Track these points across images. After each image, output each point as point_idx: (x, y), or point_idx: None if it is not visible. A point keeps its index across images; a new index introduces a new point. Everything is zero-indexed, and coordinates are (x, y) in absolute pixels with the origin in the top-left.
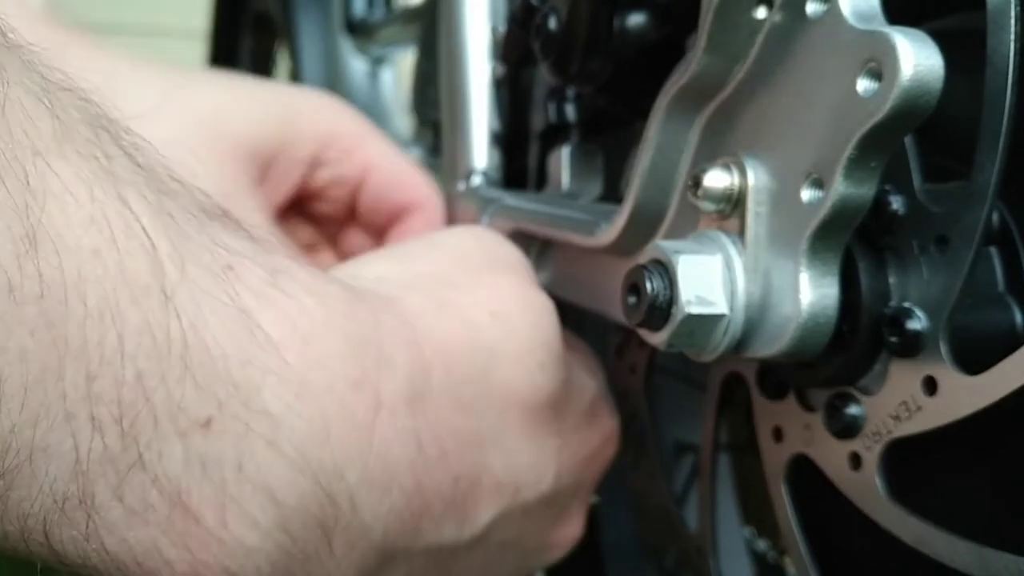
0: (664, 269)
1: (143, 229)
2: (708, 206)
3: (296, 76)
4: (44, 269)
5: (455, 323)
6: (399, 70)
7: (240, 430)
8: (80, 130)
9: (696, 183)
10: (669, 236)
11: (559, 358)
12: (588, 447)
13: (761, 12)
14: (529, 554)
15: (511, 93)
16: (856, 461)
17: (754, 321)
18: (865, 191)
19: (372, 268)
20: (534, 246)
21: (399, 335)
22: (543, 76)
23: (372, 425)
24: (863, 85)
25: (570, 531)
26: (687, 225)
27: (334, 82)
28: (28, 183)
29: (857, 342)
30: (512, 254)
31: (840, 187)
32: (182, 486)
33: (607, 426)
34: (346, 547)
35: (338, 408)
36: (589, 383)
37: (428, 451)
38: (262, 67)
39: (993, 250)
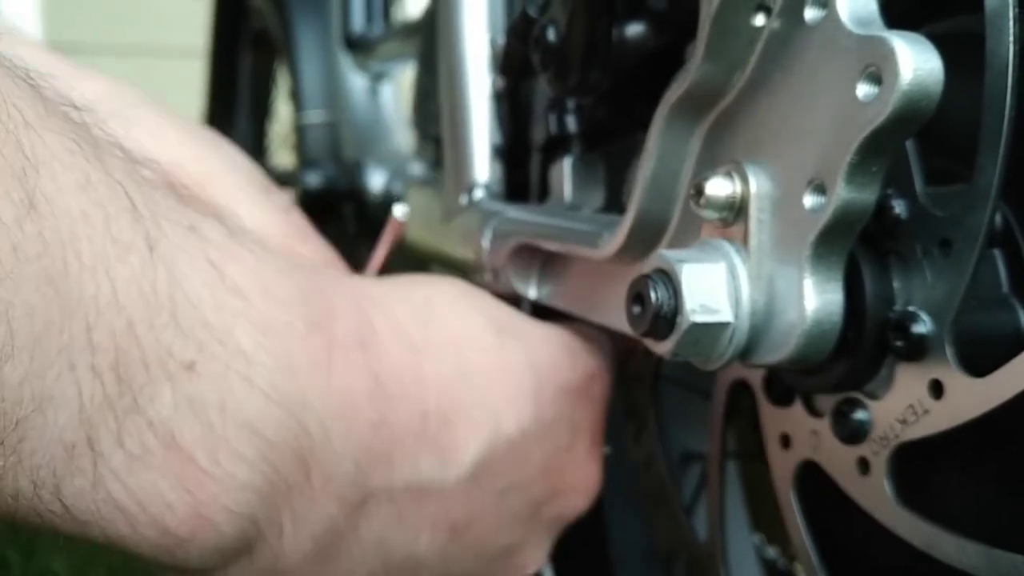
0: (668, 278)
1: (125, 192)
2: (711, 214)
3: (296, 94)
4: (43, 229)
5: (387, 286)
6: (399, 85)
7: (220, 370)
8: (62, 107)
9: (698, 191)
10: (672, 245)
11: (492, 301)
12: (568, 382)
13: (760, 19)
14: (541, 503)
15: (511, 106)
16: (864, 466)
17: (759, 328)
18: (867, 196)
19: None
20: (538, 259)
21: (338, 288)
22: (543, 88)
23: (328, 361)
24: (863, 90)
25: (583, 475)
26: (690, 234)
27: (334, 99)
28: (23, 152)
29: (862, 347)
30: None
31: (842, 192)
32: (174, 428)
33: (588, 364)
34: (323, 479)
35: (298, 345)
36: (555, 327)
37: (388, 387)
38: (262, 85)
39: (996, 252)
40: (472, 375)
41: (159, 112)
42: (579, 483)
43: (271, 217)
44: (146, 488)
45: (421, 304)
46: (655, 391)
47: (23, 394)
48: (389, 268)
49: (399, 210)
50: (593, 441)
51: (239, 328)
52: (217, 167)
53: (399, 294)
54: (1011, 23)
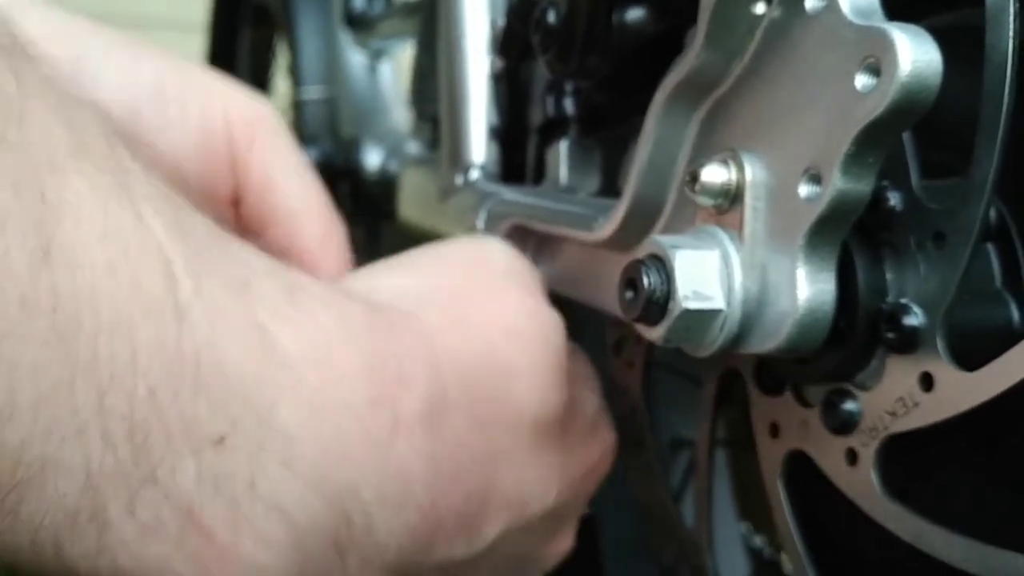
0: (661, 264)
1: (158, 244)
2: (706, 201)
3: (295, 69)
4: (58, 282)
5: (471, 340)
6: (398, 64)
7: (253, 448)
8: (97, 144)
9: (694, 178)
10: (667, 231)
11: (566, 375)
12: (589, 461)
13: (760, 7)
14: (525, 565)
15: (510, 87)
16: (853, 457)
17: (751, 316)
18: (863, 187)
19: (386, 281)
20: (532, 241)
21: (417, 352)
22: (542, 70)
23: (389, 443)
24: (861, 81)
25: (563, 543)
26: (685, 220)
27: (333, 75)
28: (44, 196)
29: (854, 338)
30: (523, 267)
31: (838, 183)
32: (195, 503)
33: (606, 440)
34: (360, 564)
35: (355, 426)
36: (591, 398)
37: (443, 469)
38: (261, 60)
39: (990, 246)
40: (518, 454)
41: (206, 69)
42: (559, 552)
43: (311, 189)
44: (156, 559)
45: (501, 373)
46: (647, 377)
47: (22, 457)
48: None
49: None
50: (582, 511)
51: (283, 405)
52: (266, 126)
53: (484, 352)
54: (1011, 18)
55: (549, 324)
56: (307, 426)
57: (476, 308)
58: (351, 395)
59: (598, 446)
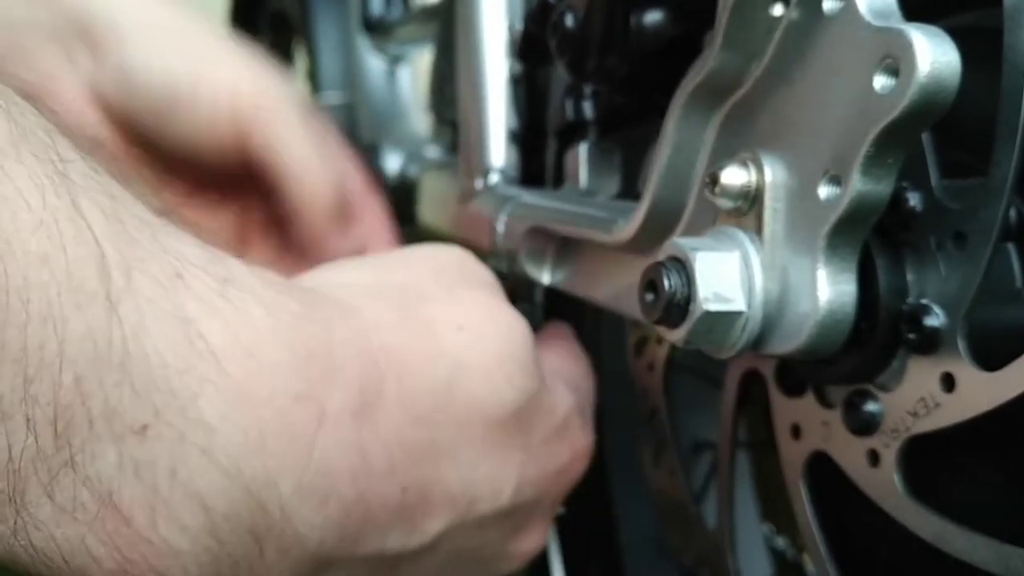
0: (682, 266)
1: (94, 236)
2: (725, 203)
3: (313, 75)
4: None
5: (416, 335)
6: (417, 68)
7: (175, 438)
8: (37, 133)
9: (713, 180)
10: (686, 233)
11: (529, 372)
12: (556, 462)
13: (778, 9)
14: (486, 563)
15: (528, 91)
16: (874, 458)
17: (772, 318)
18: (883, 188)
19: (341, 275)
20: (552, 244)
21: (352, 346)
22: (560, 74)
23: (313, 437)
24: (880, 82)
25: (530, 542)
26: (704, 222)
27: (351, 81)
28: None
29: (875, 339)
30: (486, 273)
31: (857, 184)
32: (113, 487)
33: (579, 442)
34: (278, 553)
35: (277, 419)
36: (565, 397)
37: (374, 463)
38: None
39: (1011, 246)
40: (466, 450)
41: (216, 34)
42: (526, 550)
43: (314, 159)
44: (72, 540)
45: (448, 367)
46: (667, 379)
47: None
48: None
49: None
50: (553, 511)
51: (204, 397)
52: (271, 94)
53: (429, 346)
54: None
55: (505, 321)
56: (228, 418)
57: (427, 304)
58: (274, 388)
59: (567, 447)
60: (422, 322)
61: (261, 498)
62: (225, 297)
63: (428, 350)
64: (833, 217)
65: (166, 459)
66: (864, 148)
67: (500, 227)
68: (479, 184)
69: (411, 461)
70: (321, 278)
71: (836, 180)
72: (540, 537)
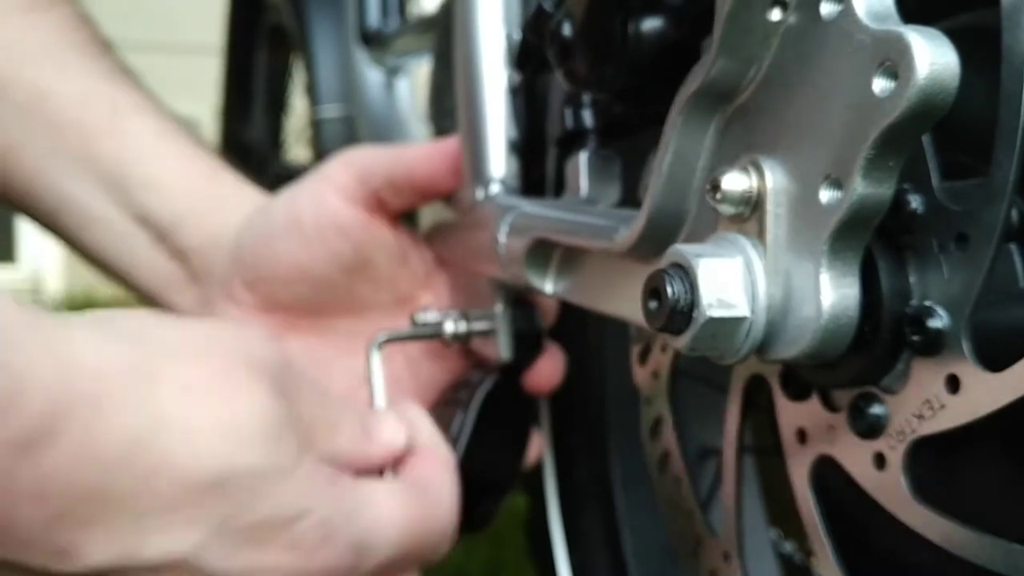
0: (684, 273)
1: None
2: (727, 209)
3: (312, 88)
4: None
5: (132, 387)
6: (414, 80)
7: None
8: None
9: (714, 186)
10: (688, 240)
11: (256, 450)
12: (258, 552)
13: (776, 14)
14: None
15: (527, 100)
16: (881, 461)
17: (776, 323)
18: (883, 190)
19: (124, 320)
20: (555, 253)
21: (44, 391)
22: (559, 83)
23: None
24: (879, 85)
25: None
26: (706, 228)
27: (350, 93)
28: None
29: (879, 342)
30: (264, 354)
31: (858, 187)
32: None
33: (327, 556)
34: None
35: None
36: (334, 515)
37: (21, 487)
38: (278, 80)
39: (1013, 247)
40: (147, 500)
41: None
42: None
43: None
44: None
45: (150, 421)
46: (672, 386)
47: None
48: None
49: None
50: None
51: None
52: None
53: (133, 401)
54: None
55: (246, 397)
56: None
57: (166, 362)
58: None
59: (285, 550)
60: (146, 376)
61: None
62: None
63: (135, 403)
64: (835, 221)
65: None
66: (864, 151)
67: (502, 237)
68: (480, 194)
69: (77, 496)
70: (111, 315)
71: (837, 184)
72: None
